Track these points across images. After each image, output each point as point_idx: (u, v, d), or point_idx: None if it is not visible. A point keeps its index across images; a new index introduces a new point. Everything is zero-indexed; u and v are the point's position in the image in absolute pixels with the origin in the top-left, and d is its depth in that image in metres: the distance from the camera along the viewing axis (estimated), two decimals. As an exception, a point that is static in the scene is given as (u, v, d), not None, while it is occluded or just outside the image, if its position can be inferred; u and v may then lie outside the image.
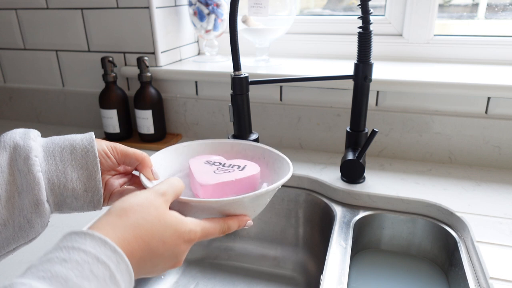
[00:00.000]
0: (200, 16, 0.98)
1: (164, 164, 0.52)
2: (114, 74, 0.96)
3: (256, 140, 0.72)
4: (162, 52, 0.97)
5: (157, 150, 0.54)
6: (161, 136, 1.00)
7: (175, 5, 1.01)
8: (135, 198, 0.37)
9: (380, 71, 0.86)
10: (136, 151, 0.46)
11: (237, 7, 0.64)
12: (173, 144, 0.61)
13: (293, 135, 0.95)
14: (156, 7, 0.93)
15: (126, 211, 0.35)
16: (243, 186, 0.47)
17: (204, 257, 0.88)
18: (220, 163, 0.50)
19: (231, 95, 0.70)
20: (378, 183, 0.76)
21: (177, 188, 0.40)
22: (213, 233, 0.40)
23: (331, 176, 0.80)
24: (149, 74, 0.94)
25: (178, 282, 0.81)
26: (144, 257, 0.34)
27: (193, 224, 0.39)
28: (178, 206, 0.41)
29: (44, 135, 0.44)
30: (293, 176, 0.82)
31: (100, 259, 0.29)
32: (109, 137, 1.00)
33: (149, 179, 0.46)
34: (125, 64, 1.01)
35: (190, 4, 0.99)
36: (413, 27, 0.96)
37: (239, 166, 0.49)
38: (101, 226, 0.33)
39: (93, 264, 0.29)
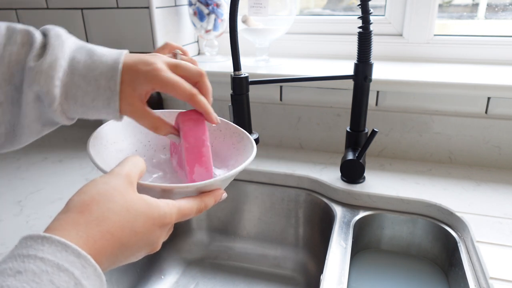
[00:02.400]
0: (200, 16, 0.98)
1: (118, 136, 0.48)
2: (114, 74, 0.96)
3: (256, 140, 0.72)
4: (162, 52, 0.97)
5: None
6: (161, 136, 1.00)
7: (175, 5, 1.01)
8: (96, 187, 0.32)
9: (380, 71, 0.86)
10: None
11: (237, 7, 0.64)
12: None
13: (293, 135, 0.95)
14: (156, 7, 0.93)
15: (88, 204, 0.31)
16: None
17: (204, 257, 0.88)
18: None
19: (231, 95, 0.70)
20: (378, 183, 0.76)
21: (141, 167, 0.37)
22: (190, 214, 0.37)
23: (331, 176, 0.80)
24: (149, 74, 0.94)
25: (178, 282, 0.81)
26: (115, 252, 0.31)
27: (167, 207, 0.35)
28: (146, 191, 0.36)
29: (44, 135, 0.44)
30: (293, 176, 0.82)
31: (61, 267, 0.26)
32: (109, 137, 1.00)
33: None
34: (125, 64, 1.01)
35: (190, 4, 0.99)
36: (413, 27, 0.96)
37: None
38: (61, 227, 0.29)
39: (53, 273, 0.25)
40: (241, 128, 0.50)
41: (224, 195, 0.41)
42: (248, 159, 0.43)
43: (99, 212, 0.31)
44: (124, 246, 0.31)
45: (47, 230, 0.29)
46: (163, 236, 0.36)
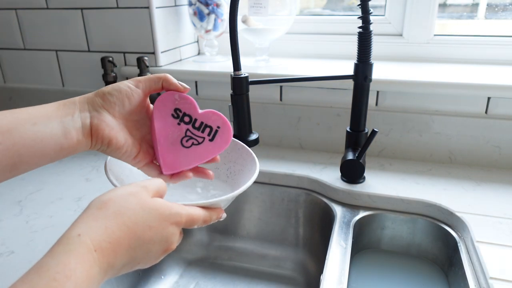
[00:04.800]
0: (200, 16, 0.98)
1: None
2: (114, 74, 0.96)
3: (256, 140, 0.72)
4: (162, 52, 0.97)
5: None
6: (161, 136, 1.00)
7: (175, 5, 1.01)
8: (114, 191, 0.36)
9: (380, 71, 0.86)
10: (156, 74, 0.44)
11: (237, 7, 0.64)
12: None
13: (293, 135, 0.95)
14: (156, 7, 0.93)
15: (105, 202, 0.34)
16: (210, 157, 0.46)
17: (204, 257, 0.88)
18: (190, 119, 0.45)
19: (231, 95, 0.70)
20: (378, 183, 0.76)
21: (159, 184, 0.39)
22: (197, 221, 0.39)
23: (331, 176, 0.80)
24: (149, 74, 0.94)
25: (178, 282, 0.81)
26: (132, 245, 0.34)
27: (179, 207, 0.38)
28: None
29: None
30: (293, 176, 0.82)
31: None
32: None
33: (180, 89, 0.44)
34: (125, 64, 1.01)
35: (190, 4, 0.99)
36: (413, 27, 0.96)
37: (210, 129, 0.45)
38: (82, 220, 0.33)
39: None
40: (248, 148, 0.51)
41: (224, 215, 0.43)
42: (250, 179, 0.44)
43: (115, 208, 0.34)
44: (140, 239, 0.34)
45: (71, 225, 0.32)
46: (177, 235, 0.38)
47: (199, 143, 0.45)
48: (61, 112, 0.39)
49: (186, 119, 0.44)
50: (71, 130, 0.39)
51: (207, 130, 0.45)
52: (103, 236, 0.32)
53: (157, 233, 0.35)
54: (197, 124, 0.45)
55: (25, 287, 0.27)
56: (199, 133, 0.45)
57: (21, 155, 0.37)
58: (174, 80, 0.44)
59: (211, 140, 0.45)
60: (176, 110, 0.44)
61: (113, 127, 0.41)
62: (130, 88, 0.42)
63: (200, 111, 0.45)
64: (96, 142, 0.41)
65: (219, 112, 0.45)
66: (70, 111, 0.40)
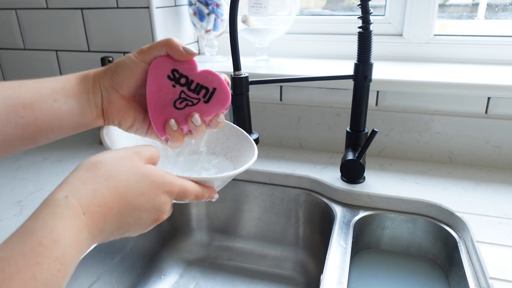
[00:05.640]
0: (200, 16, 0.98)
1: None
2: (114, 74, 0.96)
3: (256, 140, 0.72)
4: (162, 52, 0.97)
5: None
6: (161, 136, 1.00)
7: (175, 5, 1.00)
8: (105, 154, 0.34)
9: (380, 71, 0.86)
10: (159, 41, 0.41)
11: (237, 7, 0.64)
12: None
13: (293, 135, 0.95)
14: (156, 7, 0.93)
15: (95, 164, 0.33)
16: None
17: (204, 257, 0.88)
18: (187, 81, 0.41)
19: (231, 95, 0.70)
20: (378, 183, 0.76)
21: (153, 150, 0.38)
22: (189, 195, 0.38)
23: (331, 176, 0.80)
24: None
25: (178, 282, 0.81)
26: (122, 210, 0.32)
27: (172, 177, 0.36)
28: None
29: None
30: (293, 176, 0.82)
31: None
32: (109, 137, 1.00)
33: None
34: (125, 64, 1.01)
35: (190, 4, 0.99)
36: (413, 27, 0.96)
37: (206, 91, 0.42)
38: (69, 182, 0.31)
39: None
40: (246, 133, 0.50)
41: (216, 195, 0.42)
42: (247, 164, 0.44)
43: (106, 171, 0.32)
44: (131, 205, 0.33)
45: (57, 187, 0.31)
46: (168, 204, 0.37)
47: (193, 104, 0.42)
48: (78, 89, 0.39)
49: (183, 80, 0.41)
50: (87, 109, 0.40)
51: (203, 91, 0.42)
52: (92, 199, 0.30)
53: (149, 200, 0.34)
54: (192, 86, 0.42)
55: (8, 253, 0.25)
56: (194, 95, 0.42)
57: (41, 129, 0.37)
58: (179, 47, 0.40)
59: (206, 101, 0.42)
60: (173, 71, 0.41)
61: (121, 108, 0.41)
62: (135, 62, 0.40)
63: (198, 71, 0.42)
64: (108, 121, 0.42)
65: (216, 72, 0.42)
66: (86, 88, 0.40)
